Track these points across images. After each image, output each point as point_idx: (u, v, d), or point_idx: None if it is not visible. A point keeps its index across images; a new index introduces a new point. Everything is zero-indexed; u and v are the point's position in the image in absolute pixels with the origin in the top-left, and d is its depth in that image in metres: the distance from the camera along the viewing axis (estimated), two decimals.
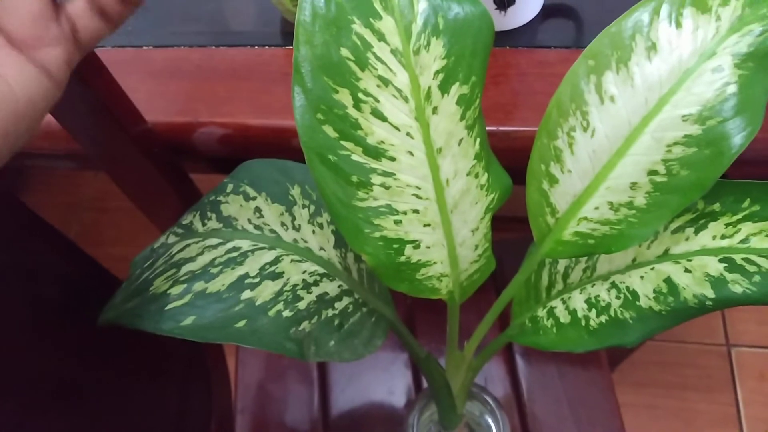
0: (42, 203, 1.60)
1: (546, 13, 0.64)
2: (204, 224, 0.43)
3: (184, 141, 0.60)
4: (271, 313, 0.37)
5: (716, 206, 0.40)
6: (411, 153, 0.36)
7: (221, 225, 0.43)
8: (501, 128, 0.58)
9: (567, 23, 0.64)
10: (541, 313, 0.44)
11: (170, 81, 0.62)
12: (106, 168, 0.61)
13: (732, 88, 0.35)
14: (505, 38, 0.63)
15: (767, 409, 1.29)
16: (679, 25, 0.36)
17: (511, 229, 0.75)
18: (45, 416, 0.51)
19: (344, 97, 0.35)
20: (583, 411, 0.78)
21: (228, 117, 0.60)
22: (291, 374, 0.81)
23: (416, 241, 0.38)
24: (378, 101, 0.35)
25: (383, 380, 0.81)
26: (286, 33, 0.65)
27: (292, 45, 0.63)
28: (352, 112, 0.35)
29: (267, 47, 0.64)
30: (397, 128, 0.36)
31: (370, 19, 0.34)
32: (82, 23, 0.31)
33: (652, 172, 0.37)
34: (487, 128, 0.57)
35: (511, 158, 0.52)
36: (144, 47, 0.64)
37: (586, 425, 0.77)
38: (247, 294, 0.38)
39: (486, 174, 0.39)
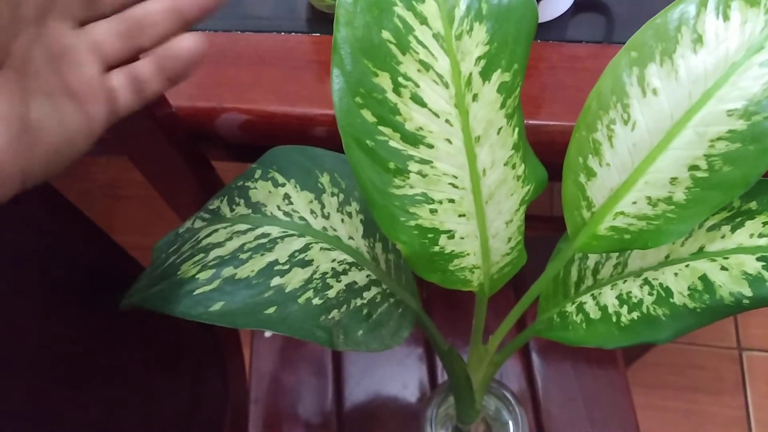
0: (63, 188, 1.59)
1: (577, 7, 0.63)
2: (232, 210, 0.42)
3: (207, 126, 0.60)
4: (301, 300, 0.37)
5: (753, 204, 0.40)
6: (449, 141, 0.36)
7: (250, 211, 0.42)
8: (530, 122, 0.58)
9: (598, 18, 0.63)
10: (570, 308, 0.44)
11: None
12: (128, 151, 0.61)
13: None
14: (536, 31, 0.62)
15: None
16: (726, 17, 0.35)
17: (530, 228, 0.74)
18: (57, 398, 0.51)
19: (384, 80, 0.34)
20: (598, 409, 0.78)
21: (252, 104, 0.59)
22: (305, 365, 0.81)
23: (451, 231, 0.38)
24: (418, 86, 0.34)
25: (398, 374, 0.81)
26: (312, 20, 0.64)
27: (317, 32, 0.63)
28: (391, 96, 0.34)
29: (293, 34, 0.64)
30: (436, 115, 0.35)
31: (413, 2, 0.34)
32: (121, 95, 0.34)
33: (694, 167, 0.36)
34: None
35: (540, 152, 0.52)
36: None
37: (600, 424, 0.77)
38: (276, 281, 0.37)
39: (523, 165, 0.38)
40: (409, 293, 0.45)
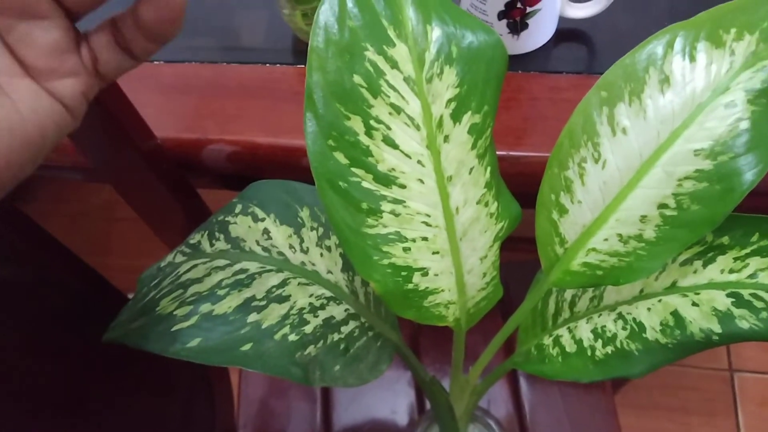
0: (50, 212, 1.60)
1: (559, 37, 0.64)
2: (212, 245, 0.43)
3: (192, 158, 0.61)
4: (277, 336, 0.37)
5: (725, 239, 0.40)
6: (421, 181, 0.36)
7: (229, 246, 0.43)
8: (511, 153, 0.58)
9: (580, 48, 0.64)
10: (547, 341, 0.44)
11: (180, 97, 0.62)
12: (114, 182, 0.61)
13: (745, 124, 0.35)
14: (517, 62, 0.63)
15: None
16: (693, 59, 0.36)
17: (520, 249, 0.75)
18: (48, 424, 0.51)
19: (356, 124, 0.35)
20: None
21: (237, 135, 0.60)
22: (294, 391, 0.81)
23: (424, 268, 0.38)
24: (390, 129, 0.35)
25: (386, 399, 0.81)
26: (298, 51, 0.65)
27: (303, 63, 0.64)
28: (363, 139, 0.35)
29: (278, 65, 0.64)
30: (408, 156, 0.36)
31: (384, 46, 0.34)
32: (104, 56, 0.30)
33: (663, 206, 0.37)
34: (498, 153, 0.58)
35: (521, 183, 0.52)
36: (155, 62, 0.65)
37: None
38: (253, 317, 0.38)
39: (496, 202, 0.39)
40: (388, 326, 0.45)
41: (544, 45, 0.63)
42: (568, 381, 0.80)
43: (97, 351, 0.55)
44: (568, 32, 0.64)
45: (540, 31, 0.61)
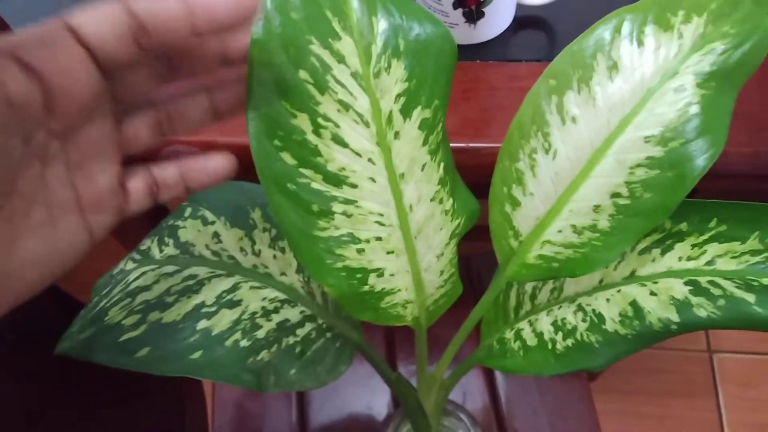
0: None
1: (517, 25, 0.63)
2: (161, 250, 0.42)
3: (149, 160, 0.59)
4: (228, 343, 0.36)
5: (683, 226, 0.40)
6: (373, 179, 0.35)
7: (178, 251, 0.41)
8: (471, 145, 0.57)
9: (539, 35, 0.63)
10: (509, 334, 0.43)
11: None
12: None
13: (695, 109, 0.34)
14: (474, 52, 0.62)
15: (748, 414, 1.29)
16: (641, 43, 0.35)
17: (490, 239, 0.74)
18: None
19: (303, 122, 0.33)
20: (562, 423, 0.78)
21: (193, 135, 0.59)
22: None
23: (380, 269, 0.37)
24: (338, 127, 0.34)
25: (362, 396, 0.80)
26: None
27: None
28: (311, 138, 0.33)
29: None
30: (358, 154, 0.34)
31: (329, 40, 0.33)
32: (135, 199, 0.33)
33: (615, 195, 0.36)
34: (457, 145, 0.57)
35: (482, 175, 0.51)
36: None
37: None
38: (203, 324, 0.37)
39: (451, 199, 0.38)
40: (349, 325, 0.44)
41: (502, 33, 0.62)
42: (550, 375, 0.81)
43: (60, 363, 0.54)
44: (526, 20, 0.63)
45: (497, 20, 0.61)
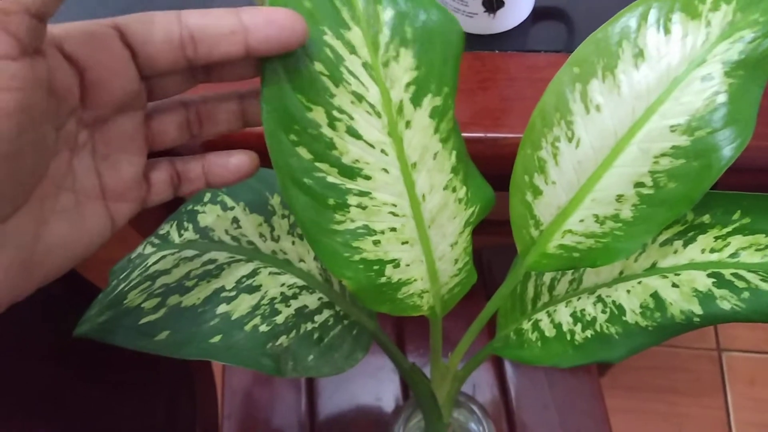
0: None
1: (536, 15, 0.63)
2: (180, 235, 0.42)
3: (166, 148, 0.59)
4: (248, 327, 0.36)
5: (706, 218, 0.39)
6: (386, 170, 0.35)
7: (198, 236, 0.41)
8: (489, 135, 0.57)
9: (558, 26, 0.63)
10: (526, 325, 0.43)
11: None
12: None
13: (722, 98, 0.34)
14: (493, 42, 0.62)
15: (757, 413, 1.29)
16: (667, 31, 0.35)
17: (502, 233, 0.74)
18: (30, 425, 0.50)
19: (318, 115, 0.33)
20: (572, 418, 0.78)
21: None
22: (278, 380, 0.80)
23: (395, 260, 0.37)
24: (352, 118, 0.33)
25: (371, 386, 0.80)
26: None
27: None
28: (326, 131, 0.33)
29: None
30: (371, 145, 0.34)
31: (341, 30, 0.32)
32: (156, 192, 0.34)
33: (639, 184, 0.36)
34: (475, 135, 0.57)
35: (500, 165, 0.51)
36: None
37: (573, 431, 0.77)
38: (222, 308, 0.37)
39: (464, 187, 0.38)
40: (365, 314, 0.44)
41: (521, 24, 0.62)
42: (568, 366, 0.80)
43: (76, 349, 0.54)
44: (546, 10, 0.63)
45: (516, 10, 0.60)
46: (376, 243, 0.36)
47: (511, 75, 0.60)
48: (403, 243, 0.37)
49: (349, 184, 0.34)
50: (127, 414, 0.65)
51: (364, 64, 0.33)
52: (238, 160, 0.34)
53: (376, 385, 0.81)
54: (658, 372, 1.34)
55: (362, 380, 0.81)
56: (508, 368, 0.81)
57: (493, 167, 0.48)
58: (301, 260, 0.42)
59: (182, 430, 0.75)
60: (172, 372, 0.75)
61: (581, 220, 0.37)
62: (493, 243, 0.79)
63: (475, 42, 0.61)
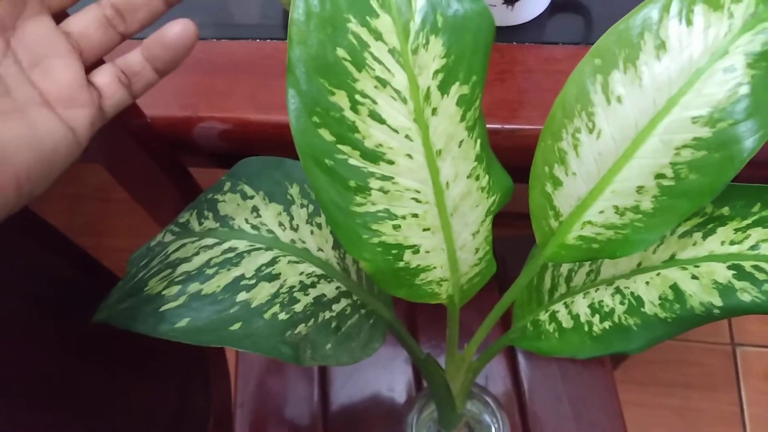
0: (47, 194, 1.58)
1: (554, 8, 0.62)
2: (201, 223, 0.42)
3: (183, 136, 0.60)
4: (267, 315, 0.36)
5: (725, 210, 0.39)
6: (410, 156, 0.35)
7: (218, 224, 0.42)
8: (506, 126, 0.57)
9: (575, 18, 0.62)
10: (543, 316, 0.43)
11: (170, 75, 0.60)
12: (104, 162, 0.60)
13: (744, 89, 0.34)
14: (511, 33, 0.62)
15: None
16: (689, 22, 0.35)
17: (515, 226, 0.74)
18: (42, 413, 0.51)
19: (341, 99, 0.33)
20: (585, 410, 0.78)
21: (228, 112, 0.59)
22: (291, 369, 0.81)
23: (415, 245, 0.37)
24: (376, 103, 0.34)
25: (384, 377, 0.81)
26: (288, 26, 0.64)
27: None
28: (349, 114, 0.34)
29: (268, 40, 0.63)
30: (395, 131, 0.35)
31: (367, 18, 0.33)
32: (108, 93, 0.34)
33: (660, 176, 0.36)
34: (492, 126, 0.57)
35: (516, 157, 0.51)
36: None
37: (587, 424, 0.77)
38: (242, 296, 0.37)
39: (487, 176, 0.38)
40: (381, 303, 0.44)
41: (539, 16, 0.62)
42: (566, 357, 0.80)
43: (90, 337, 0.55)
44: (563, 3, 0.63)
45: (534, 2, 0.60)
46: (396, 227, 0.36)
47: (528, 67, 0.60)
48: (424, 230, 0.37)
49: (372, 168, 0.35)
50: (140, 402, 0.66)
51: (391, 51, 0.33)
52: (171, 32, 0.34)
53: (388, 375, 0.81)
54: (671, 366, 1.33)
55: (375, 371, 0.81)
56: (521, 360, 0.81)
57: (509, 158, 0.48)
58: (320, 249, 0.42)
59: (195, 417, 0.75)
60: (186, 360, 0.76)
61: (601, 212, 0.37)
62: (507, 235, 0.79)
63: None
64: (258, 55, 0.62)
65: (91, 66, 0.35)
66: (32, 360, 0.51)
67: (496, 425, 0.62)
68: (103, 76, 0.34)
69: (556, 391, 0.79)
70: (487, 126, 0.56)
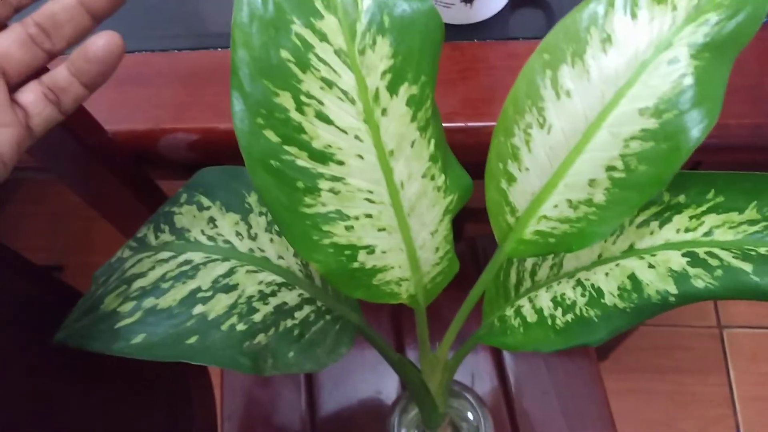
0: (30, 213, 1.58)
1: (514, 3, 0.62)
2: (157, 237, 0.42)
3: (148, 149, 0.59)
4: (224, 327, 0.36)
5: (681, 198, 0.39)
6: (361, 156, 0.35)
7: (174, 237, 0.41)
8: (470, 124, 0.57)
9: (536, 13, 0.62)
10: (509, 312, 0.43)
11: (131, 88, 0.60)
12: (69, 182, 0.60)
13: (689, 80, 0.34)
14: (472, 31, 0.61)
15: (759, 388, 1.29)
16: (634, 15, 0.35)
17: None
18: None
19: (285, 100, 0.33)
20: (571, 401, 0.78)
21: (192, 122, 0.59)
22: (278, 378, 0.80)
23: (370, 246, 0.37)
24: (322, 104, 0.34)
25: (371, 380, 0.80)
26: None
27: None
28: (294, 115, 0.34)
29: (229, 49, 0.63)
30: (344, 131, 0.34)
31: (311, 19, 0.33)
32: (35, 111, 0.34)
33: (611, 168, 0.36)
34: (456, 125, 0.57)
35: (482, 154, 0.51)
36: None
37: (574, 416, 0.77)
38: (199, 308, 0.37)
39: (443, 176, 0.38)
40: (348, 308, 0.44)
41: (499, 12, 0.62)
42: (549, 351, 0.80)
43: (67, 355, 0.54)
44: None
45: None
46: (348, 228, 0.36)
47: (491, 64, 0.60)
48: (379, 230, 0.37)
49: (321, 169, 0.35)
50: (123, 422, 0.65)
51: (337, 51, 0.34)
52: (96, 47, 0.33)
53: (376, 378, 0.81)
54: (661, 352, 1.34)
55: (362, 374, 0.81)
56: (507, 357, 0.81)
57: (475, 156, 0.48)
58: (280, 257, 0.42)
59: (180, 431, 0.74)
60: (167, 376, 0.75)
61: (555, 206, 0.37)
62: (488, 231, 0.79)
63: (453, 32, 0.61)
64: (221, 65, 0.62)
65: (17, 85, 0.34)
66: (9, 385, 0.50)
67: (478, 422, 0.62)
68: (28, 95, 0.34)
69: (542, 384, 0.79)
70: (452, 125, 0.57)
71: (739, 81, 0.56)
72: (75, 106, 0.35)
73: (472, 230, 0.99)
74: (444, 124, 0.38)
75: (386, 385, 0.80)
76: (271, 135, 0.33)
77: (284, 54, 0.33)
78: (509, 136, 0.37)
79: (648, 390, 1.31)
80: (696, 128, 0.34)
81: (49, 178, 0.68)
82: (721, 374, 1.31)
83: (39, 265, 0.60)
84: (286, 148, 0.34)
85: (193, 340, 0.35)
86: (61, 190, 1.61)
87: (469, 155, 0.45)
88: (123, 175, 0.59)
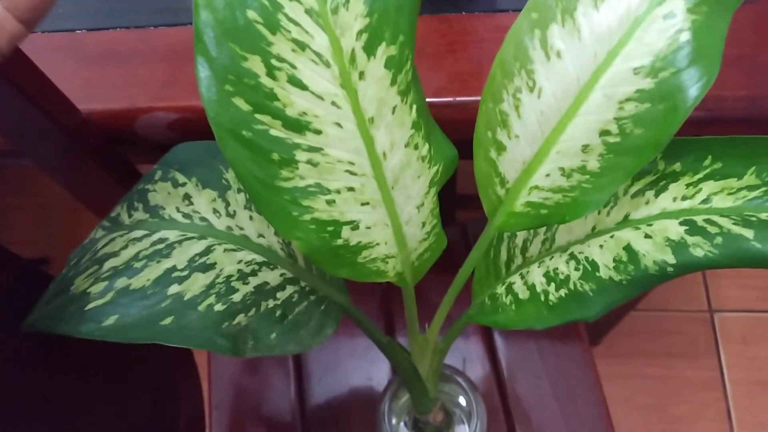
0: (16, 206, 1.56)
1: None
2: (130, 215, 0.40)
3: (124, 129, 0.57)
4: (201, 307, 0.34)
5: (677, 166, 0.38)
6: (339, 124, 0.33)
7: (148, 215, 0.40)
8: (458, 99, 0.55)
9: None
10: (500, 290, 0.42)
11: (105, 67, 0.58)
12: (42, 165, 0.58)
13: (685, 36, 0.32)
14: (460, 3, 0.60)
15: (749, 371, 1.29)
16: None
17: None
18: (5, 423, 0.49)
19: (255, 64, 0.31)
20: (564, 386, 0.77)
21: (169, 101, 0.57)
22: (266, 365, 0.79)
23: (354, 221, 0.35)
24: (295, 67, 0.32)
25: (361, 367, 0.79)
26: None
27: None
28: (265, 81, 0.31)
29: None
30: (320, 97, 0.32)
31: None
32: None
33: (605, 133, 0.34)
34: (444, 99, 0.55)
35: (471, 131, 0.50)
36: (76, 31, 0.61)
37: (566, 400, 0.76)
38: (174, 288, 0.35)
39: (427, 144, 0.36)
40: (335, 288, 0.43)
41: None
42: (543, 334, 0.79)
43: (50, 348, 0.53)
44: None
45: None
46: (330, 202, 0.34)
47: (479, 36, 0.58)
48: (363, 204, 0.35)
49: (297, 139, 0.32)
50: (108, 412, 0.64)
51: (308, 11, 0.31)
52: None
53: (366, 365, 0.79)
54: (653, 336, 1.33)
55: (352, 361, 0.79)
56: (498, 340, 0.79)
57: (464, 133, 0.46)
58: (261, 235, 0.40)
59: (165, 421, 0.73)
60: (152, 365, 0.74)
61: (547, 175, 0.36)
62: (479, 217, 0.77)
63: (441, 4, 0.59)
64: None
65: None
66: None
67: (470, 406, 0.61)
68: None
69: (534, 368, 0.78)
70: (440, 100, 0.55)
71: (735, 52, 0.55)
72: (12, 45, 0.32)
73: (463, 216, 0.97)
74: (432, 99, 0.36)
75: (377, 371, 0.79)
76: (240, 103, 0.31)
77: (251, 14, 0.31)
78: (497, 102, 0.36)
79: (639, 374, 1.31)
80: (694, 87, 0.32)
81: (27, 164, 0.66)
82: (711, 358, 1.31)
83: (25, 258, 0.58)
84: (258, 116, 0.32)
85: (168, 321, 0.33)
86: (42, 182, 1.59)
87: (458, 131, 0.43)
88: (100, 158, 0.57)
